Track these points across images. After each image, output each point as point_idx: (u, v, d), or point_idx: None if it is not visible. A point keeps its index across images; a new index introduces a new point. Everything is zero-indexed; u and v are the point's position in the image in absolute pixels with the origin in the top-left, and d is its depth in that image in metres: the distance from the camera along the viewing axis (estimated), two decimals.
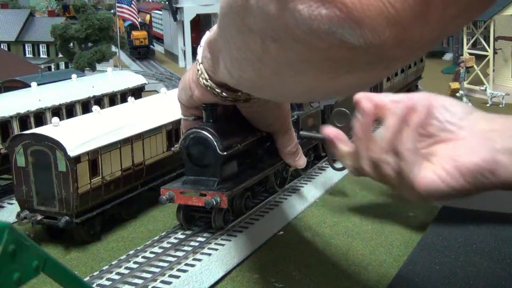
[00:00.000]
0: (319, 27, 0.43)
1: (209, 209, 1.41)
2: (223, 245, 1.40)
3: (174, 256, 1.35)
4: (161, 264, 1.32)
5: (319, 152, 2.06)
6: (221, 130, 1.37)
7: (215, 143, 1.35)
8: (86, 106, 2.22)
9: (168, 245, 1.41)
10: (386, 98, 0.76)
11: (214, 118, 1.34)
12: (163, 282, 1.24)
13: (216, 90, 1.06)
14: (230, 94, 1.08)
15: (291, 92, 0.73)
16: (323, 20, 0.43)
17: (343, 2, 0.40)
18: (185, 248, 1.39)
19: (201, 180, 1.41)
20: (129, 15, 5.31)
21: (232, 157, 1.41)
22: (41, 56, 8.31)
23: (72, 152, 1.44)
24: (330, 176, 1.98)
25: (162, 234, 1.49)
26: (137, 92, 2.50)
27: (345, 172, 2.06)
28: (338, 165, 1.59)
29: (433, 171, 0.79)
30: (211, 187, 1.39)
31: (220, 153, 1.36)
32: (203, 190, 1.40)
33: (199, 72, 1.05)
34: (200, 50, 1.04)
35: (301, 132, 1.80)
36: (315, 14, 0.43)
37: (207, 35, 0.98)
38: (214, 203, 1.36)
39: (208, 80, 1.05)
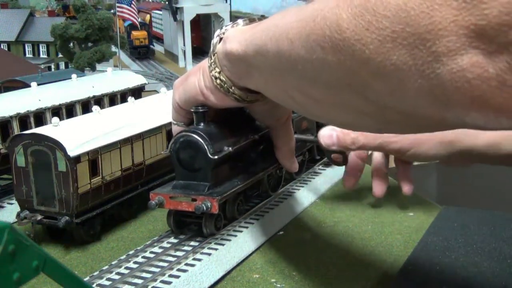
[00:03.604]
0: (493, 128, 0.48)
1: (200, 215, 1.39)
2: (223, 245, 1.40)
3: (174, 256, 1.35)
4: (161, 264, 1.32)
5: (314, 156, 2.05)
6: (212, 133, 1.35)
7: (206, 147, 1.33)
8: (86, 106, 2.22)
9: (168, 245, 1.41)
10: None
11: (204, 121, 1.33)
12: (163, 282, 1.24)
13: (241, 96, 1.07)
14: (253, 97, 1.09)
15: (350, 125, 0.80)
16: (502, 125, 0.47)
17: None
18: (185, 248, 1.39)
19: (191, 185, 1.39)
20: (129, 15, 5.32)
21: (223, 161, 1.39)
22: (41, 56, 8.32)
23: (72, 152, 1.44)
24: (330, 176, 1.98)
25: (162, 234, 1.49)
26: (137, 92, 2.50)
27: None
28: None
29: None
30: (202, 192, 1.36)
31: (211, 157, 1.33)
32: (193, 195, 1.37)
33: (219, 80, 1.06)
34: (215, 58, 1.04)
35: (295, 136, 1.79)
36: (493, 122, 0.46)
37: (223, 46, 0.99)
38: (205, 208, 1.34)
39: (232, 87, 1.06)
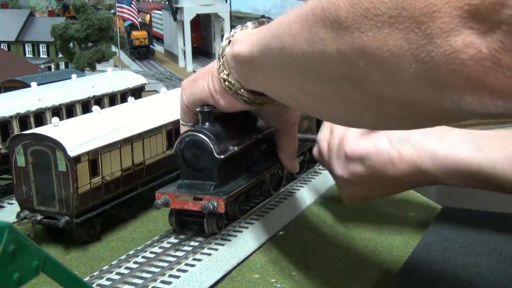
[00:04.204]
0: (489, 113, 0.47)
1: (202, 214, 1.39)
2: (223, 245, 1.40)
3: (174, 256, 1.35)
4: (161, 264, 1.32)
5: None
6: (217, 132, 1.35)
7: (212, 146, 1.33)
8: (86, 106, 2.22)
9: (168, 245, 1.41)
10: None
11: (210, 120, 1.33)
12: (163, 282, 1.24)
13: (249, 98, 1.08)
14: (261, 99, 1.10)
15: (351, 121, 0.79)
16: (498, 108, 0.46)
17: None
18: (185, 248, 1.39)
19: (197, 184, 1.39)
20: (129, 15, 5.31)
21: (228, 161, 1.39)
22: (41, 56, 8.33)
23: (72, 152, 1.44)
24: (330, 176, 1.97)
25: (162, 234, 1.49)
26: (137, 92, 2.50)
27: None
28: None
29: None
30: (208, 191, 1.37)
31: (217, 156, 1.33)
32: (199, 194, 1.37)
33: (228, 82, 1.06)
34: (223, 60, 1.04)
35: (298, 135, 1.79)
36: (489, 105, 0.45)
37: (231, 48, 0.99)
38: (211, 207, 1.34)
39: (241, 89, 1.06)
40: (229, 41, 1.03)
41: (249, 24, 1.05)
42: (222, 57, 1.05)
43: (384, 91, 0.55)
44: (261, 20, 1.07)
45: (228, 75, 1.05)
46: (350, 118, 0.73)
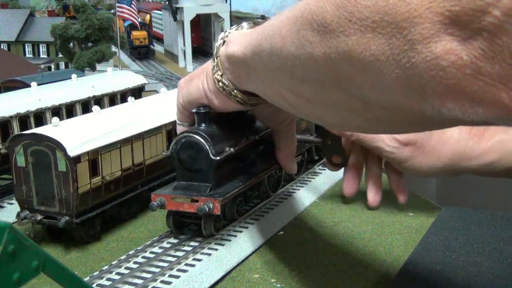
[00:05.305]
0: (470, 120, 0.46)
1: (201, 215, 1.38)
2: (223, 245, 1.40)
3: (174, 256, 1.35)
4: (161, 264, 1.32)
5: (313, 156, 2.05)
6: (213, 134, 1.34)
7: (208, 148, 1.33)
8: (86, 106, 2.22)
9: (168, 245, 1.41)
10: None
11: (206, 122, 1.33)
12: (163, 282, 1.24)
13: (243, 98, 1.07)
14: (255, 100, 1.09)
15: (340, 124, 0.80)
16: (478, 116, 0.45)
17: (503, 103, 0.42)
18: (185, 248, 1.39)
19: (193, 186, 1.38)
20: (129, 15, 5.32)
21: (225, 162, 1.38)
22: (41, 56, 8.34)
23: (72, 152, 1.44)
24: (330, 176, 1.97)
25: (162, 234, 1.49)
26: (137, 92, 2.50)
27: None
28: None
29: None
30: (204, 193, 1.36)
31: (213, 157, 1.33)
32: (195, 196, 1.36)
33: (221, 83, 1.06)
34: (218, 61, 1.04)
35: (298, 136, 1.79)
36: (469, 112, 0.45)
37: (225, 48, 0.99)
38: (207, 209, 1.33)
39: (234, 90, 1.05)
40: (224, 41, 1.02)
41: (244, 24, 1.04)
42: (217, 58, 1.05)
43: (369, 95, 0.55)
44: (257, 20, 1.06)
45: (222, 75, 1.05)
46: (339, 121, 0.72)
